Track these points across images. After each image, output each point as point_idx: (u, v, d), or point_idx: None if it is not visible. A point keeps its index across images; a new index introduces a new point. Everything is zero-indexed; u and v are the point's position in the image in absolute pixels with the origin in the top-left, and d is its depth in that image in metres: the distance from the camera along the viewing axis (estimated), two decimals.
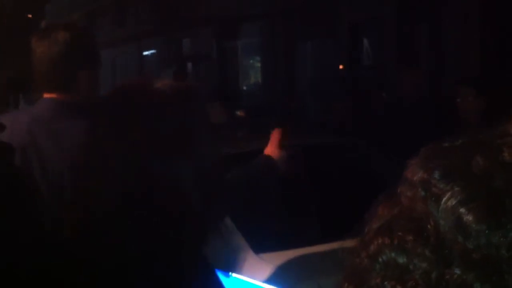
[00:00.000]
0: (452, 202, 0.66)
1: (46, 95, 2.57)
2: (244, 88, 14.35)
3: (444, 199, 0.66)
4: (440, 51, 8.87)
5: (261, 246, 3.14)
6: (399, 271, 0.68)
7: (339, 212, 3.65)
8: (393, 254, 0.68)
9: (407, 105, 5.17)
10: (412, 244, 0.67)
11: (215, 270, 1.43)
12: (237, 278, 2.59)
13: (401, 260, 0.68)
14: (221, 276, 2.61)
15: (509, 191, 0.64)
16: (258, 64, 14.41)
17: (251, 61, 14.90)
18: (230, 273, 2.62)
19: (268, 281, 2.93)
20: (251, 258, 3.14)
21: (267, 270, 3.02)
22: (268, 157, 2.31)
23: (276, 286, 2.90)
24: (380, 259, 0.69)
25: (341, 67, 11.01)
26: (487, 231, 0.63)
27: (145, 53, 18.25)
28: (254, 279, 2.64)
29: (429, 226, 0.66)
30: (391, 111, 5.56)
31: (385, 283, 0.68)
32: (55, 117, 2.49)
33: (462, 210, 0.65)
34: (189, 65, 15.49)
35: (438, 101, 5.74)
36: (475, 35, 8.18)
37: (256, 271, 2.95)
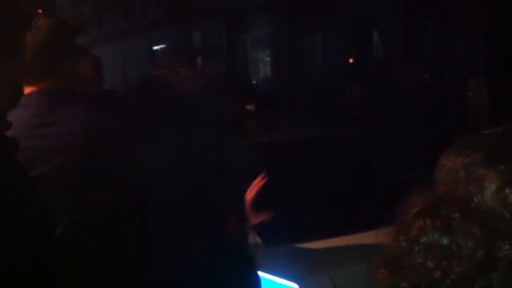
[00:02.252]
0: (497, 183, 0.68)
1: (31, 87, 2.53)
2: (254, 81, 14.33)
3: (488, 180, 0.69)
4: (448, 44, 8.83)
5: (272, 240, 3.14)
6: (442, 251, 0.69)
7: (349, 206, 3.66)
8: (435, 235, 0.70)
9: (415, 99, 5.16)
10: (457, 222, 0.68)
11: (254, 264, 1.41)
12: None
13: (445, 240, 0.69)
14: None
15: None
16: (267, 57, 14.39)
17: (260, 54, 14.87)
18: None
19: (279, 274, 2.93)
20: (262, 252, 3.14)
21: (279, 263, 3.02)
22: None
23: (288, 280, 2.90)
24: (422, 240, 0.70)
25: (351, 60, 10.98)
26: None
27: (155, 47, 18.24)
28: (266, 272, 2.65)
29: (472, 205, 0.68)
30: (399, 104, 5.54)
31: (427, 262, 0.69)
32: (48, 108, 2.46)
33: (507, 190, 0.67)
34: (199, 58, 15.49)
35: (445, 94, 5.73)
36: (482, 28, 8.15)
37: (267, 264, 2.96)
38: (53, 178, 2.43)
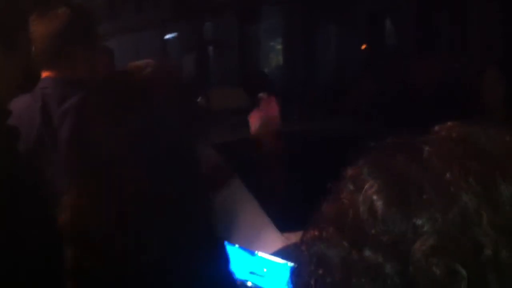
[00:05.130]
0: (370, 191, 0.74)
1: (45, 74, 2.55)
2: (266, 71, 14.35)
3: (364, 189, 0.75)
4: (463, 36, 8.83)
5: (286, 225, 3.18)
6: (327, 262, 0.75)
7: None
8: (322, 246, 0.76)
9: (428, 92, 5.17)
10: (331, 234, 0.75)
11: (223, 243, 1.46)
12: (263, 257, 2.64)
13: (330, 252, 0.75)
14: (246, 254, 2.68)
15: (415, 183, 0.73)
16: (280, 47, 14.40)
17: (272, 43, 14.88)
18: (255, 252, 2.68)
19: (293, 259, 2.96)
20: (276, 237, 3.18)
21: (293, 249, 3.06)
22: None
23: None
24: (311, 251, 0.77)
25: (363, 47, 10.97)
26: (393, 217, 0.72)
27: (167, 37, 18.27)
28: (280, 258, 2.69)
29: (350, 216, 0.74)
30: (411, 97, 5.55)
31: (317, 271, 0.76)
32: (61, 96, 2.47)
33: (374, 197, 0.73)
34: (210, 49, 15.52)
35: (459, 86, 5.73)
36: (498, 19, 8.13)
37: (281, 250, 3.00)
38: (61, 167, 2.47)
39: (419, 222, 0.70)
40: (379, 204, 0.73)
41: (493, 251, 0.68)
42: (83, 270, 1.31)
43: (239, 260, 2.63)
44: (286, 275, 2.49)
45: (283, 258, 2.63)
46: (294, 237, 3.25)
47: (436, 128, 0.81)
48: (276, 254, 2.77)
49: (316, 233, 0.77)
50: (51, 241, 1.38)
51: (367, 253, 0.71)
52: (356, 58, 10.79)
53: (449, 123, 0.81)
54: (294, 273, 0.80)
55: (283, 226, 3.20)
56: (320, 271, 0.75)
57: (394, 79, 7.09)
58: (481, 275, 0.68)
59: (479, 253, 0.68)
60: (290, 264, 2.49)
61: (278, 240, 3.14)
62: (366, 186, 0.74)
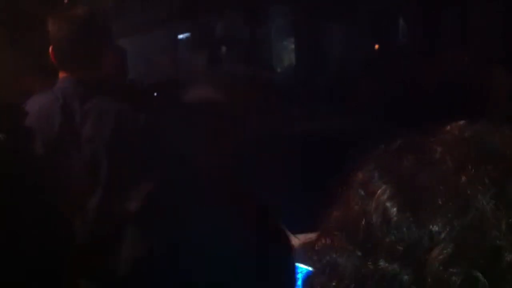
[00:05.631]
0: (383, 197, 0.72)
1: (64, 74, 2.54)
2: (278, 70, 14.32)
3: (376, 195, 0.73)
4: (470, 33, 8.78)
5: (297, 227, 3.18)
6: (335, 272, 0.73)
7: None
8: (334, 256, 0.74)
9: (436, 89, 5.15)
10: (343, 243, 0.73)
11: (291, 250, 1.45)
12: None
13: (338, 260, 0.73)
14: None
15: (429, 188, 0.71)
16: (292, 46, 14.35)
17: (284, 43, 14.83)
18: None
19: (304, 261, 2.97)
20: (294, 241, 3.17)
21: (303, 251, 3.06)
22: None
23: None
24: (324, 261, 0.75)
25: (376, 46, 10.92)
26: (408, 223, 0.69)
27: (180, 36, 18.25)
28: (299, 262, 2.69)
29: (362, 224, 0.72)
30: (419, 95, 5.53)
31: (331, 283, 0.74)
32: (83, 96, 2.47)
33: (388, 204, 0.71)
34: (223, 48, 15.47)
35: (467, 83, 5.71)
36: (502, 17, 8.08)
37: (301, 253, 3.00)
38: (82, 166, 2.48)
39: (435, 228, 0.68)
40: (393, 211, 0.71)
41: None
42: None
43: None
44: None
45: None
46: (305, 239, 3.25)
47: (448, 127, 0.79)
48: None
49: (328, 241, 0.75)
50: (64, 239, 1.40)
51: (382, 262, 0.69)
52: (368, 57, 10.75)
53: (461, 122, 0.78)
54: (307, 283, 0.78)
55: (294, 228, 3.20)
56: (334, 283, 0.73)
57: (403, 78, 7.08)
58: (503, 281, 0.64)
59: (499, 258, 0.65)
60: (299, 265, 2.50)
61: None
62: (379, 192, 0.72)
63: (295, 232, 3.19)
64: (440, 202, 0.68)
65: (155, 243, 1.33)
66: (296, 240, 3.15)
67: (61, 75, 2.60)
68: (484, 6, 8.65)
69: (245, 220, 1.32)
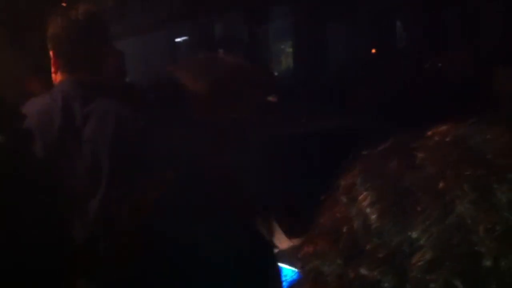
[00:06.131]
0: (364, 204, 0.70)
1: (64, 76, 2.55)
2: (276, 73, 14.35)
3: (358, 201, 0.71)
4: (473, 33, 8.79)
5: (294, 231, 3.18)
6: (322, 279, 0.71)
7: None
8: (317, 263, 0.72)
9: (439, 89, 5.16)
10: (325, 250, 0.71)
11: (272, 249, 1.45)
12: None
13: (325, 268, 0.71)
14: None
15: (410, 193, 0.69)
16: (290, 49, 14.38)
17: (282, 45, 14.86)
18: None
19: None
20: (284, 243, 3.18)
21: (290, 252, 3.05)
22: None
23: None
24: (307, 268, 0.74)
25: (373, 51, 10.96)
26: (388, 230, 0.68)
27: (177, 39, 18.28)
28: (287, 264, 2.69)
29: (344, 231, 0.71)
30: (422, 95, 5.54)
31: None
32: (83, 98, 2.48)
33: (368, 210, 0.70)
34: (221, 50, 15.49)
35: (470, 83, 5.72)
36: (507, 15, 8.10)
37: (289, 256, 3.01)
38: (84, 169, 2.48)
39: (414, 235, 0.67)
40: (373, 217, 0.69)
41: (493, 261, 0.64)
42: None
43: None
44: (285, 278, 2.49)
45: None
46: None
47: (430, 132, 0.77)
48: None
49: (311, 249, 0.74)
50: (64, 239, 1.40)
51: (363, 270, 0.68)
52: (367, 58, 10.76)
53: (443, 126, 0.77)
54: None
55: (291, 232, 3.20)
56: None
57: (404, 78, 7.08)
58: (482, 287, 0.63)
59: (478, 265, 0.64)
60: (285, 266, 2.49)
61: (287, 246, 3.13)
62: (360, 198, 0.71)
63: (294, 235, 3.19)
64: (419, 208, 0.68)
65: (155, 243, 1.33)
66: (290, 243, 3.15)
67: (61, 76, 2.59)
68: (484, 6, 8.66)
69: (236, 220, 1.33)
